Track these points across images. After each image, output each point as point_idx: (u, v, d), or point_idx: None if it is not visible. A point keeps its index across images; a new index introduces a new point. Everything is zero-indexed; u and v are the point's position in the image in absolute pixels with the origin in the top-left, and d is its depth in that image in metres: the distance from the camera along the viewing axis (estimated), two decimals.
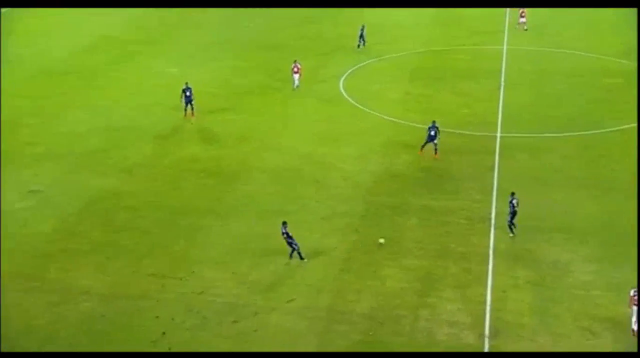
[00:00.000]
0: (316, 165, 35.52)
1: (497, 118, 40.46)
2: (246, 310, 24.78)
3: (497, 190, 32.35)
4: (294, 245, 27.35)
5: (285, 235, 27.27)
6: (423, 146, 35.88)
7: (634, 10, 60.99)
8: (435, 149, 35.66)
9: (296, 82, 45.03)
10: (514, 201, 28.75)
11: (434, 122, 36.04)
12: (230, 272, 26.94)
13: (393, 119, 40.58)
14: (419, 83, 46.78)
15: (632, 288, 23.75)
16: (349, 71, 49.26)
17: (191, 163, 35.90)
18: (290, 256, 27.53)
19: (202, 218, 30.58)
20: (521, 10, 56.66)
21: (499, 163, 35.00)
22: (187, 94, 40.60)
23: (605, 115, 40.46)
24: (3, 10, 61.52)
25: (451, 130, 39.01)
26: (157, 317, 24.46)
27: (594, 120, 39.55)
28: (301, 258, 27.40)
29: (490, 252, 27.89)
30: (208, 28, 60.34)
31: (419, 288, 25.83)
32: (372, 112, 42.08)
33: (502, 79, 46.61)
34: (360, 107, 42.97)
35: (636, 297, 23.30)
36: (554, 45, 53.60)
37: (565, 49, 52.72)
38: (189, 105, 40.72)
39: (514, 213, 28.78)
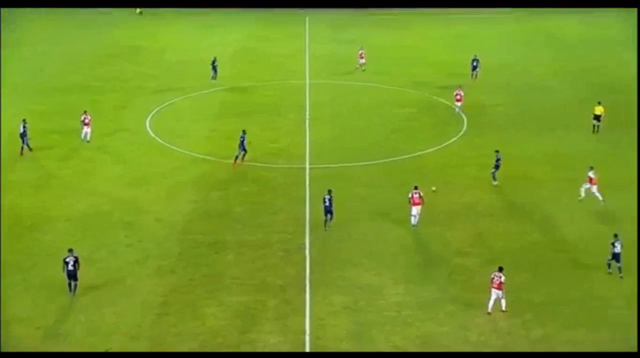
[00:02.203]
0: (126, 208, 34.47)
1: (305, 150, 41.64)
2: None
3: (310, 221, 33.17)
4: (75, 281, 26.89)
5: (75, 265, 26.61)
6: (237, 157, 38.91)
7: (428, 45, 65.94)
8: (237, 157, 39.01)
9: (88, 135, 42.33)
10: (326, 197, 32.13)
11: (243, 131, 39.10)
12: (34, 327, 25.30)
13: (203, 156, 40.46)
14: (227, 119, 47.06)
15: (493, 271, 26.13)
16: (155, 110, 48.53)
17: None
18: (72, 291, 26.95)
19: (1, 273, 28.44)
20: (360, 51, 58.59)
21: (309, 194, 35.93)
22: (23, 130, 39.82)
23: (402, 143, 42.99)
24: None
25: (262, 164, 39.59)
26: None
27: (394, 149, 41.85)
28: (74, 292, 27.05)
29: (307, 281, 28.43)
30: None
31: (239, 324, 25.74)
32: (180, 150, 41.65)
33: (307, 113, 48.16)
34: (168, 146, 42.38)
35: (496, 280, 25.99)
36: (353, 79, 56.33)
37: (363, 82, 55.57)
38: (24, 143, 39.94)
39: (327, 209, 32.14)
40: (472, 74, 54.67)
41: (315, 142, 42.95)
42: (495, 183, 36.78)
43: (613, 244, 28.46)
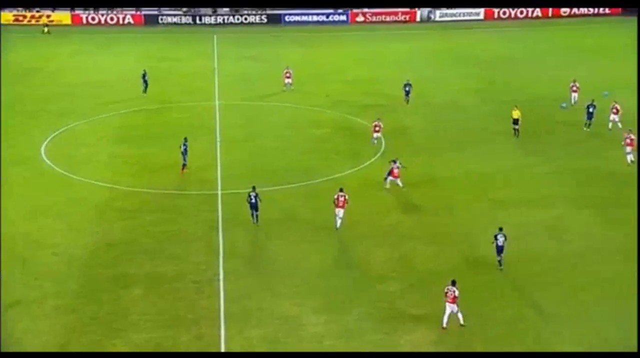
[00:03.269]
0: (20, 243, 31.83)
1: (217, 175, 39.81)
2: None
3: (223, 249, 31.40)
4: None
5: None
6: (184, 166, 39.34)
7: (341, 62, 65.12)
8: (184, 166, 39.36)
9: None
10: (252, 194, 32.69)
11: (185, 138, 39.68)
12: None
13: (104, 184, 38.04)
14: (131, 143, 44.68)
15: (446, 286, 25.84)
16: (51, 136, 45.67)
17: None
18: None
19: None
20: (286, 70, 56.68)
21: (222, 221, 34.12)
22: None
23: (318, 165, 41.47)
24: None
25: (172, 191, 37.56)
26: None
27: (310, 171, 40.32)
28: None
29: (221, 315, 26.73)
30: None
31: None
32: (80, 178, 39.03)
33: (219, 135, 46.30)
34: (67, 174, 39.69)
35: (450, 294, 25.63)
36: (266, 99, 54.76)
37: (276, 102, 54.13)
38: None
39: None
40: (406, 99, 53.30)
41: (228, 165, 41.13)
42: (385, 185, 37.43)
43: (496, 237, 29.49)
